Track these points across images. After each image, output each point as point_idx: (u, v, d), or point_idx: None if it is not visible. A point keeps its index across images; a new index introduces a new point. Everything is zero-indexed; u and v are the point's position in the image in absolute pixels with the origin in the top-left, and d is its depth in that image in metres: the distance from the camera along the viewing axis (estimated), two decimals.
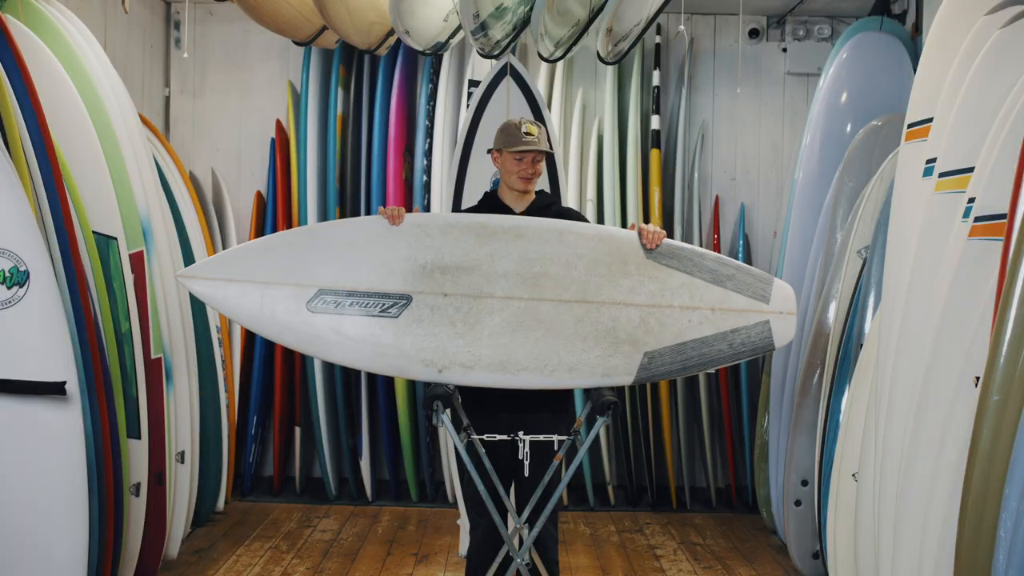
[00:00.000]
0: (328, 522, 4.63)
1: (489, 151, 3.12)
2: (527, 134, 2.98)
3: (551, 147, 3.07)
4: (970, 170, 2.63)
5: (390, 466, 4.98)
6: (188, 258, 4.19)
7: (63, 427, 2.81)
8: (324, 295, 2.78)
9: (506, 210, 3.08)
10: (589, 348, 2.74)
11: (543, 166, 3.08)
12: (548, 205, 3.14)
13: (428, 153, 4.86)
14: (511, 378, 2.68)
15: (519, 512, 2.96)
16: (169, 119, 5.31)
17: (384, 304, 2.77)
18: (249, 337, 4.98)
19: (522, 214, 3.07)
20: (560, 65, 4.96)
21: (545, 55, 3.99)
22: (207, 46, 5.29)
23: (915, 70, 3.36)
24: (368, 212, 4.86)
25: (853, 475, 3.24)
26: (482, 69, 4.69)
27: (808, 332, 3.99)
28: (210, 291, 2.79)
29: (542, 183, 3.84)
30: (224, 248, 4.93)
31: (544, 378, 2.70)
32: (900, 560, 2.66)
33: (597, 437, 4.42)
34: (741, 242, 5.14)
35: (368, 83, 4.99)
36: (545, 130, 3.05)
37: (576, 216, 3.16)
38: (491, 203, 3.14)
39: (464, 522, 4.03)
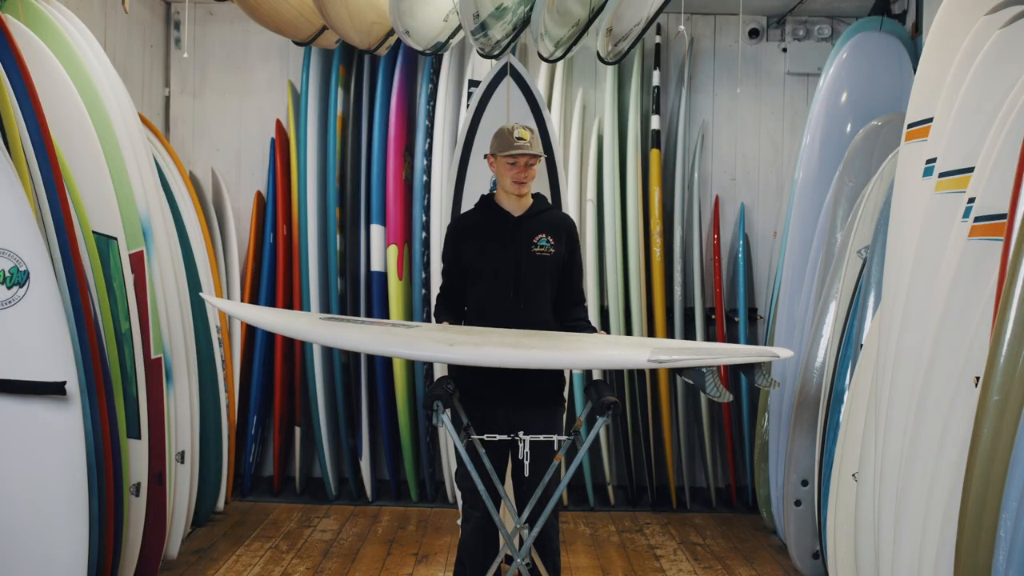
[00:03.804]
0: (328, 522, 4.63)
1: (485, 156, 3.23)
2: (519, 139, 3.08)
3: (546, 150, 3.15)
4: (970, 170, 2.63)
5: (390, 466, 4.98)
6: (188, 258, 4.18)
7: (63, 427, 2.81)
8: (338, 318, 3.10)
9: (503, 214, 3.15)
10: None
11: (536, 170, 3.16)
12: (543, 211, 3.21)
13: (428, 153, 4.86)
14: (523, 354, 2.65)
15: (519, 512, 2.98)
16: (169, 119, 5.31)
17: (396, 325, 3.06)
18: (249, 337, 4.98)
19: (519, 218, 3.15)
20: (560, 65, 4.96)
21: (545, 55, 3.99)
22: (207, 46, 5.29)
23: (915, 70, 3.36)
24: (368, 212, 4.86)
25: (853, 475, 3.24)
26: (482, 69, 4.70)
27: (808, 333, 3.99)
28: (233, 308, 3.13)
29: (542, 186, 3.87)
30: (224, 247, 4.95)
31: (556, 353, 2.70)
32: (900, 560, 2.66)
33: (597, 437, 4.43)
34: (741, 242, 5.13)
35: (368, 83, 4.99)
36: (539, 134, 3.12)
37: (569, 225, 3.23)
38: (488, 207, 3.19)
39: None
